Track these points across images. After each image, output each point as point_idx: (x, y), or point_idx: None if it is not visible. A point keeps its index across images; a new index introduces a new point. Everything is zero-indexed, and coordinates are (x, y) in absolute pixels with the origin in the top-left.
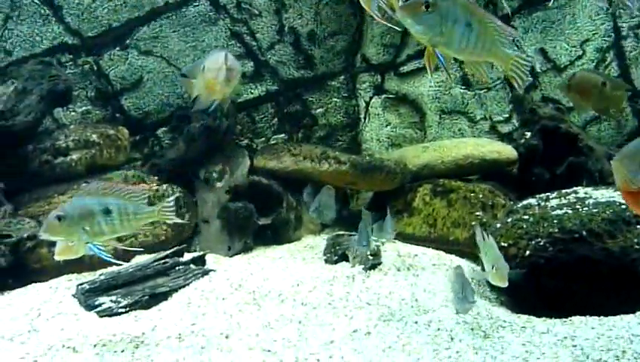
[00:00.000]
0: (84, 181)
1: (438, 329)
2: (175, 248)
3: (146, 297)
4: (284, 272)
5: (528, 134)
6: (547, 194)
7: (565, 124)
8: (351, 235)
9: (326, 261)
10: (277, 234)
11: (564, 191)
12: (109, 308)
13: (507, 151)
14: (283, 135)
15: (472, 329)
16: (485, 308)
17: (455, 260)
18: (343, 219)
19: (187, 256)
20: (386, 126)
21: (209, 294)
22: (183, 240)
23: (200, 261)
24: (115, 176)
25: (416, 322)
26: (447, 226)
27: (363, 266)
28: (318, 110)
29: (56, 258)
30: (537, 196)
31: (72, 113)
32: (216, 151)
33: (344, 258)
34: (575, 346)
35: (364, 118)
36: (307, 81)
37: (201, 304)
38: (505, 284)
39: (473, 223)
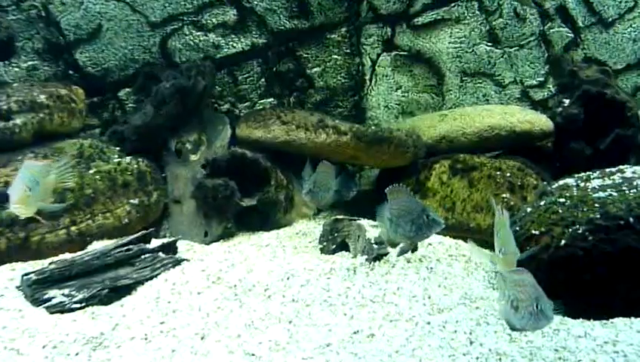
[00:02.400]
0: (30, 151)
1: (455, 331)
2: (141, 233)
3: (106, 291)
4: (271, 263)
5: (567, 101)
6: (588, 173)
7: (611, 90)
8: (352, 220)
9: (322, 250)
10: (263, 218)
11: (608, 169)
12: (61, 303)
13: (541, 122)
14: (272, 99)
15: (496, 332)
16: None
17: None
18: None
19: (155, 243)
20: (397, 90)
21: (181, 287)
22: (150, 223)
23: (171, 248)
24: (67, 145)
25: (428, 323)
26: (467, 211)
27: (366, 257)
28: (315, 69)
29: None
30: (576, 175)
31: (15, 69)
32: (191, 117)
33: (344, 247)
34: (617, 352)
35: (370, 80)
36: (301, 33)
37: (172, 299)
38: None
39: (492, 200)
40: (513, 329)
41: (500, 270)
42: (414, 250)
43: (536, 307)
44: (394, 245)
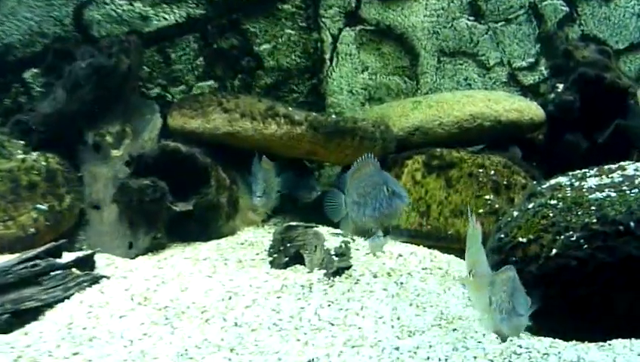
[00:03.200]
0: None
1: (428, 357)
2: (50, 245)
3: (7, 316)
4: (210, 280)
5: (561, 86)
6: (584, 170)
7: (612, 74)
8: (308, 227)
9: (272, 264)
10: (201, 226)
11: (607, 166)
12: None
13: (531, 110)
14: (211, 82)
15: (475, 357)
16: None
17: (455, 263)
18: (296, 205)
19: (68, 257)
20: (362, 71)
21: (100, 311)
22: (62, 233)
23: (87, 263)
24: None
25: (397, 348)
26: (444, 215)
27: (325, 271)
28: (264, 46)
29: None
30: (570, 173)
31: None
32: (113, 103)
33: (298, 259)
34: None
35: (331, 60)
36: (248, 2)
37: (89, 324)
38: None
39: (469, 208)
40: (504, 339)
41: (471, 295)
42: (386, 233)
43: (509, 304)
44: (364, 234)
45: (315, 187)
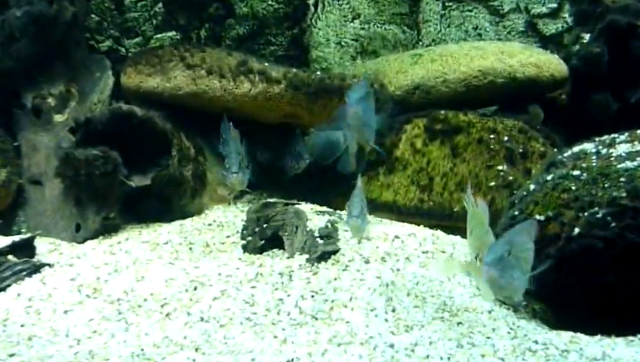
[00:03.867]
0: None
1: (428, 356)
2: None
3: None
4: (172, 268)
5: (586, 37)
6: (612, 135)
7: None
8: (288, 204)
9: (245, 248)
10: (162, 204)
11: (639, 130)
12: None
13: (551, 65)
14: (173, 32)
15: (483, 355)
16: (506, 321)
17: (461, 246)
18: (275, 178)
19: (4, 241)
20: (353, 19)
21: (40, 304)
22: None
23: (26, 249)
24: None
25: (391, 346)
26: (449, 189)
27: (308, 256)
28: None
29: None
30: (597, 139)
31: None
32: (55, 60)
33: (276, 242)
34: None
35: (316, 5)
36: None
37: (28, 321)
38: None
39: (469, 184)
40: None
41: (479, 284)
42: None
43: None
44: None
45: (303, 154)
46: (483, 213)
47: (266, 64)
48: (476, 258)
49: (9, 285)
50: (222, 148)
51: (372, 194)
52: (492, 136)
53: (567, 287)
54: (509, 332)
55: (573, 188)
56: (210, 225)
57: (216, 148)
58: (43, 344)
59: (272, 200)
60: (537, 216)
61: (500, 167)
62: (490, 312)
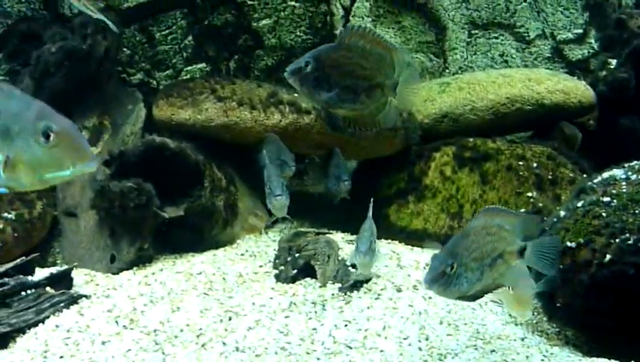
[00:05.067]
0: None
1: None
2: (20, 260)
3: None
4: (206, 298)
5: (613, 62)
6: None
7: None
8: (319, 233)
9: (278, 277)
10: (195, 234)
11: None
12: None
13: (579, 91)
14: (203, 65)
15: None
16: (539, 349)
17: None
18: (305, 206)
19: (41, 273)
20: None
21: (79, 335)
22: (33, 245)
23: (63, 281)
24: None
25: None
26: None
27: (340, 285)
28: (264, 22)
29: None
30: (626, 165)
31: None
32: (88, 93)
33: (308, 272)
34: None
35: None
36: None
37: (67, 353)
38: (525, 315)
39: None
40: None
41: (510, 311)
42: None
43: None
44: None
45: (343, 176)
46: None
47: (296, 95)
48: (508, 286)
49: (47, 317)
50: (265, 174)
51: (402, 222)
52: (521, 163)
53: (600, 314)
54: (542, 360)
55: (604, 214)
56: (242, 254)
57: (249, 178)
58: None
59: (303, 229)
60: (568, 243)
61: (530, 194)
62: (523, 339)
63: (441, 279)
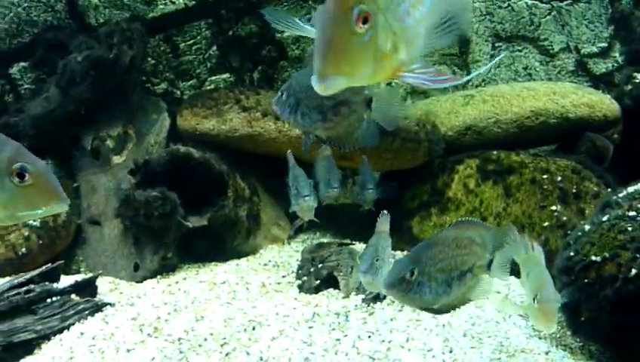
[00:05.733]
0: None
1: None
2: (45, 267)
3: None
4: (230, 307)
5: (639, 76)
6: None
7: None
8: (342, 245)
9: (301, 288)
10: (218, 244)
11: None
12: None
13: (604, 105)
14: (227, 75)
15: None
16: None
17: (515, 286)
18: (328, 218)
19: (66, 281)
20: None
21: (103, 343)
22: (57, 253)
23: (88, 288)
24: None
25: None
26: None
27: (363, 296)
28: (287, 33)
29: None
30: None
31: None
32: (114, 102)
33: (331, 283)
34: None
35: None
36: None
37: (91, 360)
38: (550, 328)
39: (510, 226)
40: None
41: (535, 325)
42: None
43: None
44: None
45: (368, 184)
46: (539, 254)
47: None
48: (534, 299)
49: (72, 324)
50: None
51: (425, 234)
52: (545, 177)
53: (625, 328)
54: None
55: (630, 229)
56: (265, 265)
57: (272, 188)
58: None
59: (326, 240)
60: (593, 257)
61: (554, 207)
62: (547, 353)
63: (400, 284)
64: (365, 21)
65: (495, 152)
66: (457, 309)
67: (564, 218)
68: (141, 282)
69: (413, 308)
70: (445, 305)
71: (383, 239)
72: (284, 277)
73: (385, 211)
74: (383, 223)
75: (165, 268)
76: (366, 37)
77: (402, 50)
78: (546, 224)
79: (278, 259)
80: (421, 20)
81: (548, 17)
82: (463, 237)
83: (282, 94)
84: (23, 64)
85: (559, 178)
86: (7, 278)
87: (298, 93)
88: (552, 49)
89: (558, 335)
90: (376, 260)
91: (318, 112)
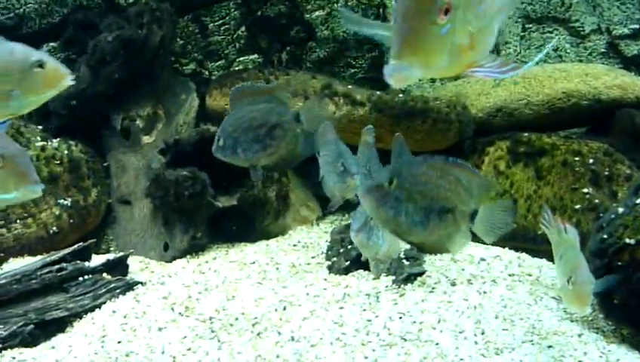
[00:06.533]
0: None
1: None
2: (77, 246)
3: (31, 326)
4: (260, 287)
5: None
6: None
7: None
8: None
9: (331, 269)
10: (247, 224)
11: None
12: None
13: (636, 87)
14: (255, 55)
15: None
16: (597, 346)
17: (547, 269)
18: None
19: (97, 260)
20: None
21: (136, 321)
22: (88, 232)
23: (119, 267)
24: None
25: None
26: (533, 212)
27: (394, 277)
28: (317, 13)
29: None
30: None
31: None
32: (143, 82)
33: (361, 263)
34: None
35: None
36: None
37: (124, 338)
38: (584, 310)
39: (543, 207)
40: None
41: (569, 307)
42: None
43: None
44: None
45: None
46: (573, 237)
47: (350, 87)
48: (568, 281)
49: (104, 302)
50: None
51: None
52: (577, 159)
53: None
54: (600, 357)
55: None
56: (295, 245)
57: (301, 170)
58: (140, 360)
59: None
60: (627, 240)
61: (585, 190)
62: (579, 336)
63: (377, 192)
64: (446, 13)
65: (526, 134)
66: (488, 292)
67: (596, 200)
68: (170, 262)
69: (387, 230)
70: (420, 241)
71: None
72: (313, 257)
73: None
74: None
75: (195, 248)
76: (445, 29)
77: (477, 47)
78: (578, 206)
79: (307, 239)
80: (495, 18)
81: None
82: (450, 172)
83: (219, 139)
84: (52, 44)
85: (591, 160)
86: (39, 257)
87: (232, 133)
88: (583, 30)
89: (590, 319)
90: (371, 219)
91: (256, 143)
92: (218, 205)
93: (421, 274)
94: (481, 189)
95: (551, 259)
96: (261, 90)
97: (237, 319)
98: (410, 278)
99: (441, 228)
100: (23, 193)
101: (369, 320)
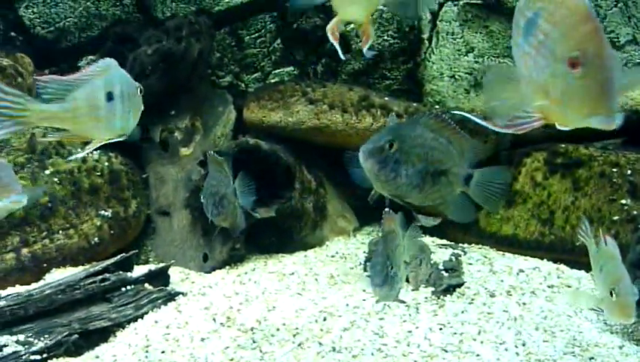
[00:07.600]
0: None
1: None
2: (119, 256)
3: (75, 336)
4: (300, 298)
5: None
6: None
7: None
8: None
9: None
10: (284, 235)
11: None
12: (15, 353)
13: None
14: (291, 68)
15: None
16: (638, 357)
17: (586, 280)
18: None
19: (138, 270)
20: (467, 53)
21: (178, 332)
22: (127, 243)
23: (161, 278)
24: (12, 136)
25: None
26: (571, 223)
27: (433, 288)
28: (351, 25)
29: None
30: None
31: None
32: (181, 95)
33: None
34: None
35: (430, 40)
36: None
37: (167, 348)
38: (628, 320)
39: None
40: None
41: (611, 318)
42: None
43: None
44: None
45: None
46: (613, 248)
47: (386, 98)
48: (610, 293)
49: (146, 312)
50: None
51: (491, 227)
52: (614, 170)
53: None
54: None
55: None
56: (332, 256)
57: (338, 181)
58: None
59: None
60: None
61: (623, 201)
62: (620, 348)
63: (379, 155)
64: None
65: (563, 145)
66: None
67: (634, 212)
68: (210, 273)
69: (384, 193)
70: (418, 203)
71: (390, 241)
72: (351, 268)
73: (387, 209)
74: (389, 222)
75: (234, 259)
76: None
77: None
78: (616, 218)
79: (344, 250)
80: None
81: (614, 9)
82: (443, 133)
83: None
84: (91, 57)
85: (629, 171)
86: (81, 267)
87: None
88: (618, 41)
89: (630, 330)
90: (390, 268)
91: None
92: (257, 216)
93: (460, 285)
94: (471, 152)
95: (590, 270)
96: None
97: (278, 329)
98: (449, 289)
99: (436, 190)
100: (5, 203)
101: (409, 331)
